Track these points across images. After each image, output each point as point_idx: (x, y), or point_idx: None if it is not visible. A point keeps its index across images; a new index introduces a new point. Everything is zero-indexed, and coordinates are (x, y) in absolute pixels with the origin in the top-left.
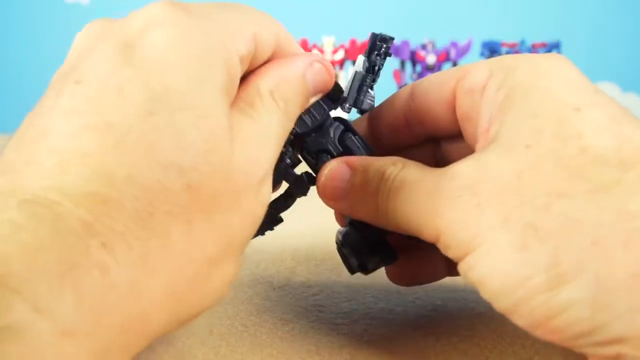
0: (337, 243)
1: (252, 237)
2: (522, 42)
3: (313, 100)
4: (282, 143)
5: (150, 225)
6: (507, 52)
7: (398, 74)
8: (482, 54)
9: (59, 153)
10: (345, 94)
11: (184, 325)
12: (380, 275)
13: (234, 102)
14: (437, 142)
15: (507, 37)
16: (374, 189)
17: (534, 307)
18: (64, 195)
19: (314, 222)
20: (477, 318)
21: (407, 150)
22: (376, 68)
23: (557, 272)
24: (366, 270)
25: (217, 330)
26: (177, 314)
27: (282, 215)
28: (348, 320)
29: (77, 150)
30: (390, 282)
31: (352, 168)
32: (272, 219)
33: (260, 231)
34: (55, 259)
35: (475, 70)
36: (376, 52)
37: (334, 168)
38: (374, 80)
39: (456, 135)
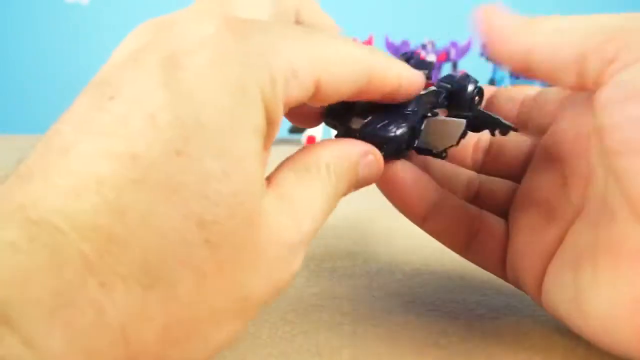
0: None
1: (269, 302)
2: None
3: (359, 186)
4: (324, 218)
5: (157, 273)
6: None
7: None
8: (481, 54)
9: (75, 175)
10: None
11: None
12: (380, 275)
13: (291, 163)
14: None
15: None
16: None
17: None
18: (68, 223)
19: None
20: (477, 318)
21: None
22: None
23: None
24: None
25: None
26: None
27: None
28: (348, 320)
29: (94, 177)
30: (390, 282)
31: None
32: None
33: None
34: (50, 292)
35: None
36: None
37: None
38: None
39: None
